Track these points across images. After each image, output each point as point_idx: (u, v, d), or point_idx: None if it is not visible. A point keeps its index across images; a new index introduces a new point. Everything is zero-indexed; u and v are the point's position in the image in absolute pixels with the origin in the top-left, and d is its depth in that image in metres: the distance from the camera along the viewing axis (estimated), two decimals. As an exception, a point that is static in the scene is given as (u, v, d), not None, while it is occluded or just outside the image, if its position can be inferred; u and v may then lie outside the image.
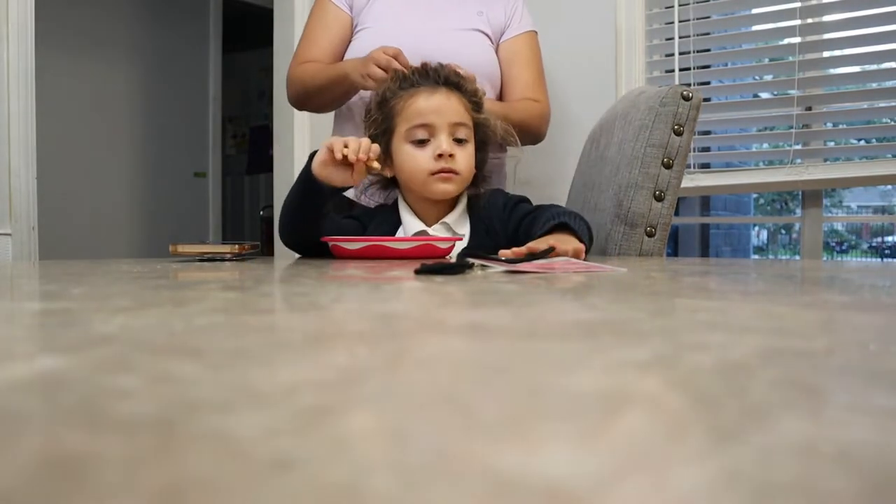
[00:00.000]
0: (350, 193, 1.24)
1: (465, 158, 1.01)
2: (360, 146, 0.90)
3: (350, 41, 1.30)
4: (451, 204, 1.05)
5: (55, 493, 0.10)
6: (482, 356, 0.21)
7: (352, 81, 1.17)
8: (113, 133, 3.11)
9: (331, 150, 0.90)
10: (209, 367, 0.19)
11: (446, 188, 0.99)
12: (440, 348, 0.22)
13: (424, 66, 1.06)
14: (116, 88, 3.12)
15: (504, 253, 0.73)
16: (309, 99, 1.29)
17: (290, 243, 1.03)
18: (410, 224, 1.04)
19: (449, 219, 1.03)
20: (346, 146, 0.89)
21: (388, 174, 1.03)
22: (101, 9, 3.02)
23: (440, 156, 0.98)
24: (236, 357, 0.21)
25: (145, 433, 0.13)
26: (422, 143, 1.01)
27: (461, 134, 1.01)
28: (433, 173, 0.98)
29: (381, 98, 1.05)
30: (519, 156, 1.16)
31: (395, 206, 1.08)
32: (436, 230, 1.02)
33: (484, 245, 0.97)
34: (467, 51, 1.24)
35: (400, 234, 1.04)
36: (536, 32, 1.36)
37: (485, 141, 1.06)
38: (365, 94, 1.21)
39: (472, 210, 1.06)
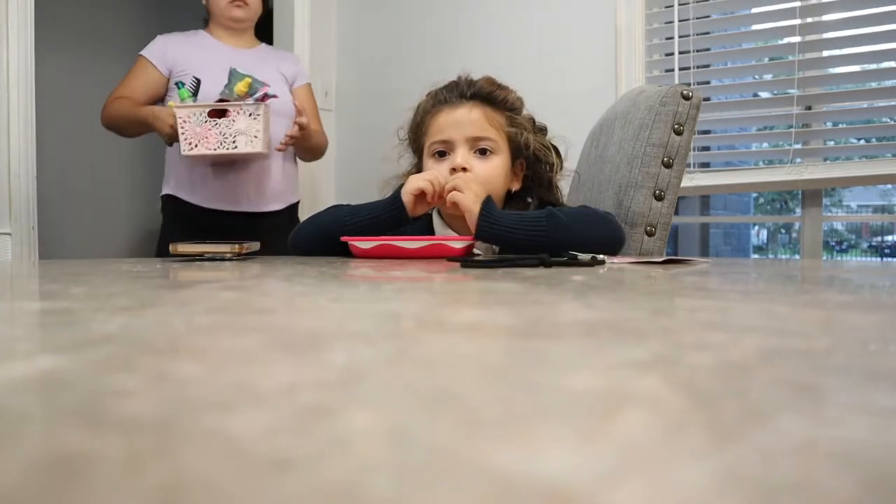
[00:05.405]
0: None
1: (484, 171, 1.00)
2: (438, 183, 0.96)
3: (163, 95, 1.69)
4: None
5: (55, 493, 0.10)
6: (482, 355, 0.21)
7: (156, 127, 1.54)
8: (113, 132, 3.10)
9: (422, 191, 0.96)
10: (209, 367, 0.19)
11: None
12: (440, 348, 0.22)
13: (456, 81, 1.06)
14: (116, 88, 3.12)
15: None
16: (116, 128, 1.65)
17: (308, 250, 1.03)
18: (442, 234, 1.04)
19: None
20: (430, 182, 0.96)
21: None
22: (101, 9, 3.02)
23: (454, 170, 0.98)
24: (236, 357, 0.21)
25: (145, 433, 0.13)
26: (442, 157, 1.01)
27: (484, 145, 1.01)
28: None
29: (418, 118, 1.07)
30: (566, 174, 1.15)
31: (427, 220, 1.08)
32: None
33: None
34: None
35: None
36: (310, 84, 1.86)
37: (537, 156, 1.05)
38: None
39: None
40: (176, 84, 1.55)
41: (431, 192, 0.95)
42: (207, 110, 1.48)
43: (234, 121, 1.48)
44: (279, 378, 0.18)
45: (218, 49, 1.72)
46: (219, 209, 1.67)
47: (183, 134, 1.47)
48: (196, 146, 1.48)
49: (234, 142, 1.49)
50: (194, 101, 1.53)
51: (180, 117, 1.48)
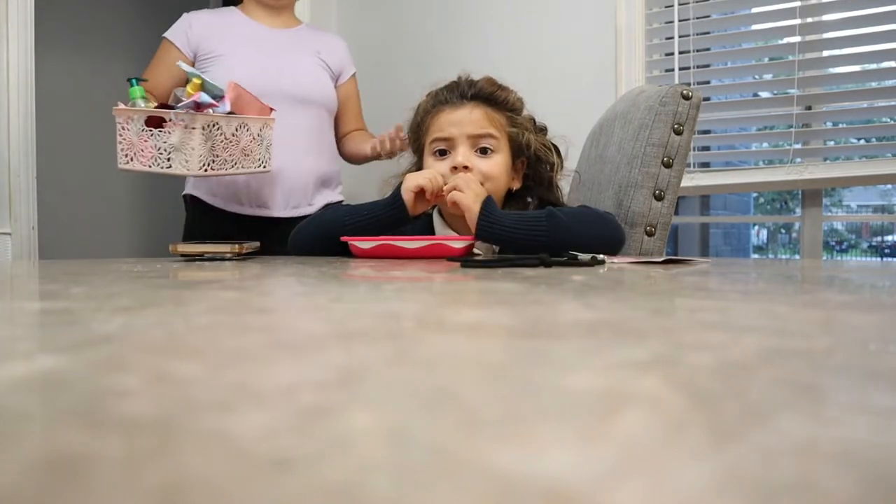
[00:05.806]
0: None
1: (485, 170, 1.00)
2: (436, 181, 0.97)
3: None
4: None
5: (55, 493, 0.10)
6: (482, 355, 0.21)
7: None
8: (113, 132, 3.10)
9: (422, 189, 0.96)
10: (209, 367, 0.19)
11: None
12: (440, 348, 0.22)
13: (456, 81, 1.06)
14: (116, 88, 3.11)
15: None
16: None
17: (308, 251, 1.03)
18: (442, 234, 1.04)
19: None
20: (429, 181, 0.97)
21: None
22: (101, 8, 3.01)
23: (455, 168, 0.98)
24: (236, 357, 0.21)
25: (145, 433, 0.13)
26: (443, 155, 1.02)
27: (486, 144, 1.01)
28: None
29: (418, 118, 1.07)
30: (568, 174, 1.15)
31: (428, 219, 1.08)
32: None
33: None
34: (308, 80, 1.53)
35: None
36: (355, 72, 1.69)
37: (538, 155, 1.05)
38: None
39: None
40: (128, 80, 1.28)
41: (430, 189, 0.95)
42: (145, 117, 1.21)
43: (170, 133, 1.19)
44: (279, 378, 0.18)
45: (250, 28, 1.53)
46: (242, 213, 1.52)
47: (120, 143, 1.23)
48: (132, 159, 1.23)
49: (168, 159, 1.21)
50: (146, 103, 1.26)
51: (119, 122, 1.23)
